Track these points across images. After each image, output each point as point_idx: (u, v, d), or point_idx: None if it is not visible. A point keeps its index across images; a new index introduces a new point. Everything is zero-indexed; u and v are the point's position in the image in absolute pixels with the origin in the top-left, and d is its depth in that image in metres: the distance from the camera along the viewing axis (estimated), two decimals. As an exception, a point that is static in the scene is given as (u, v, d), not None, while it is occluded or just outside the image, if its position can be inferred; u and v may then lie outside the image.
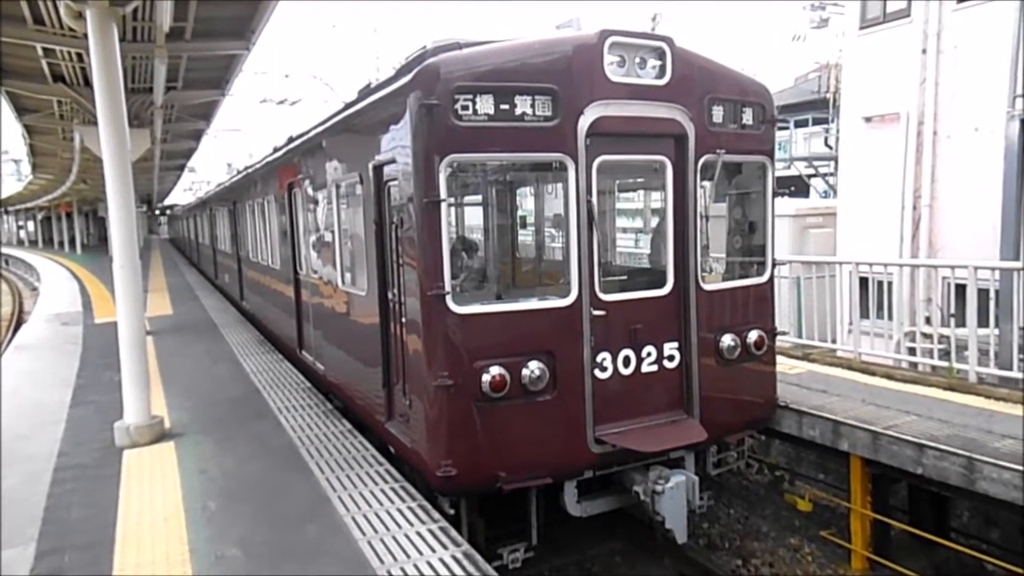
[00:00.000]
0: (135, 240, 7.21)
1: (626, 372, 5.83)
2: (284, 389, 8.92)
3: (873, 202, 12.68)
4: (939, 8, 11.65)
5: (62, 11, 7.47)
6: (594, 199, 5.58)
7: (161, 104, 14.07)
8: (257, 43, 11.35)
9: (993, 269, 7.96)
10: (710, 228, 6.47)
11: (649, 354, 5.92)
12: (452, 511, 5.57)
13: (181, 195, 58.10)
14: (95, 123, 7.28)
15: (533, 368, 5.40)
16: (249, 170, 14.35)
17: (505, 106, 5.22)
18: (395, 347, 6.15)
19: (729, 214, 7.01)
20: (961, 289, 8.36)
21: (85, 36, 7.11)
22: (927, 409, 6.78)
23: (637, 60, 5.66)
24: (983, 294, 7.79)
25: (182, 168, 36.66)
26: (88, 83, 11.96)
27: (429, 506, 5.33)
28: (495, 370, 5.29)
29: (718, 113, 6.07)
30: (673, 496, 5.73)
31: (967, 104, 11.26)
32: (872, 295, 9.00)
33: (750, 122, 6.29)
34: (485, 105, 5.17)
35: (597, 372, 5.67)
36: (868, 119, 12.89)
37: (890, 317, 9.11)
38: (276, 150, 11.30)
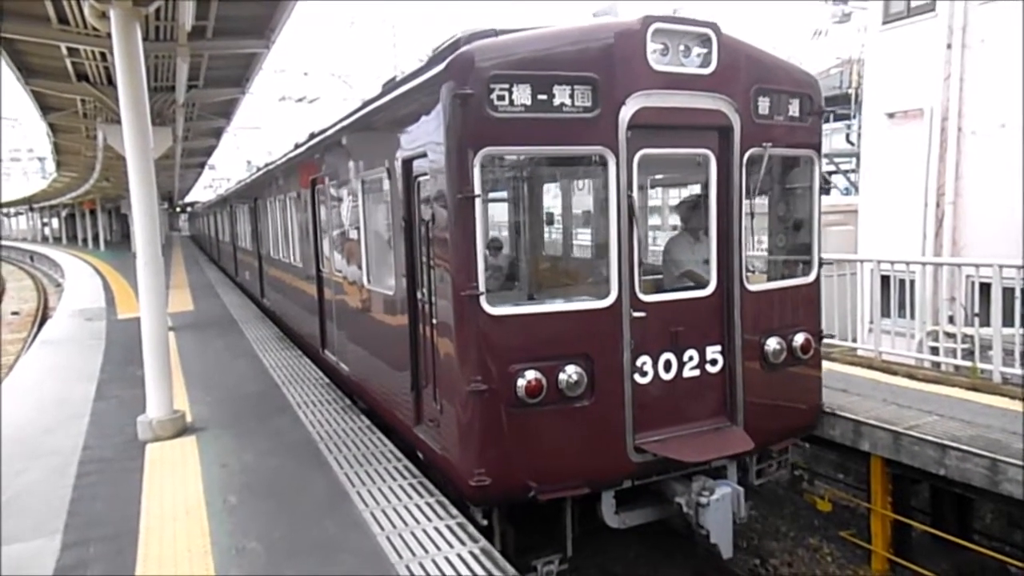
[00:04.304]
0: (158, 237, 7.30)
1: (667, 377, 5.52)
2: (303, 384, 9.00)
3: (895, 199, 12.51)
4: (964, 2, 11.47)
5: (86, 11, 7.57)
6: (635, 195, 5.29)
7: (183, 102, 14.23)
8: (277, 41, 11.46)
9: (1019, 268, 7.83)
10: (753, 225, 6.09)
11: (691, 358, 5.60)
12: (485, 521, 5.32)
13: (201, 192, 58.69)
14: (118, 121, 7.38)
15: (570, 372, 5.11)
16: (271, 166, 14.23)
17: (543, 96, 4.94)
18: (424, 349, 5.94)
19: (772, 211, 6.57)
20: (986, 288, 8.24)
21: (109, 35, 7.22)
22: (949, 409, 6.69)
23: (681, 48, 5.33)
24: (1008, 293, 7.67)
25: (202, 166, 37.01)
26: (111, 82, 12.13)
27: (447, 502, 5.35)
28: (530, 374, 5.03)
29: (764, 104, 5.74)
30: (718, 509, 5.42)
31: (993, 99, 11.07)
32: (894, 294, 8.90)
33: (796, 114, 5.95)
34: (522, 95, 4.90)
35: (637, 377, 5.36)
36: (891, 115, 12.72)
37: (912, 316, 8.99)
38: (298, 146, 11.16)
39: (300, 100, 35.13)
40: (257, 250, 16.06)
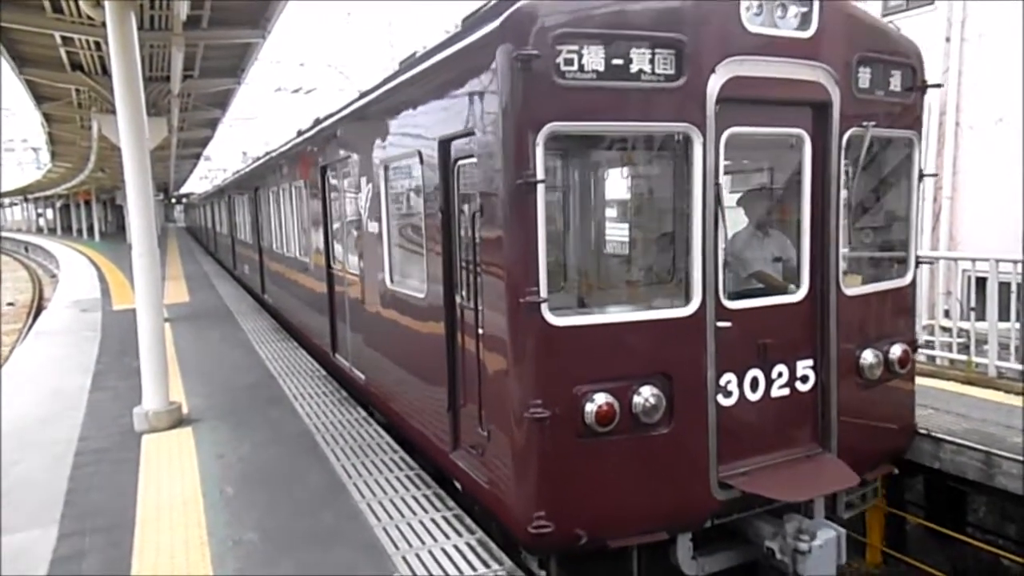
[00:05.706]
0: (153, 228, 7.27)
1: (754, 397, 4.72)
2: (299, 376, 9.00)
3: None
4: (963, -5, 11.48)
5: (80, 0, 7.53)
6: (723, 182, 4.49)
7: (178, 92, 14.17)
8: (272, 31, 11.40)
9: (1016, 262, 7.84)
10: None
11: (780, 374, 4.81)
12: (543, 573, 4.64)
13: (197, 183, 58.51)
14: (113, 111, 7.36)
15: (646, 395, 4.32)
16: (273, 154, 13.40)
17: (618, 61, 4.11)
18: (465, 363, 5.11)
19: (857, 200, 5.61)
20: (982, 282, 8.24)
21: (103, 25, 7.18)
22: (945, 403, 6.71)
23: (778, 6, 4.52)
24: (1004, 288, 7.69)
25: (198, 156, 36.90)
26: (106, 71, 12.08)
27: (444, 493, 5.35)
28: (601, 398, 4.22)
29: (866, 76, 4.89)
30: (821, 557, 4.60)
31: (991, 94, 11.09)
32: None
33: (898, 88, 5.12)
34: (594, 59, 4.08)
35: (720, 398, 4.58)
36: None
37: (908, 310, 9.00)
38: (303, 132, 10.37)
39: (296, 91, 34.89)
40: (258, 243, 15.50)
